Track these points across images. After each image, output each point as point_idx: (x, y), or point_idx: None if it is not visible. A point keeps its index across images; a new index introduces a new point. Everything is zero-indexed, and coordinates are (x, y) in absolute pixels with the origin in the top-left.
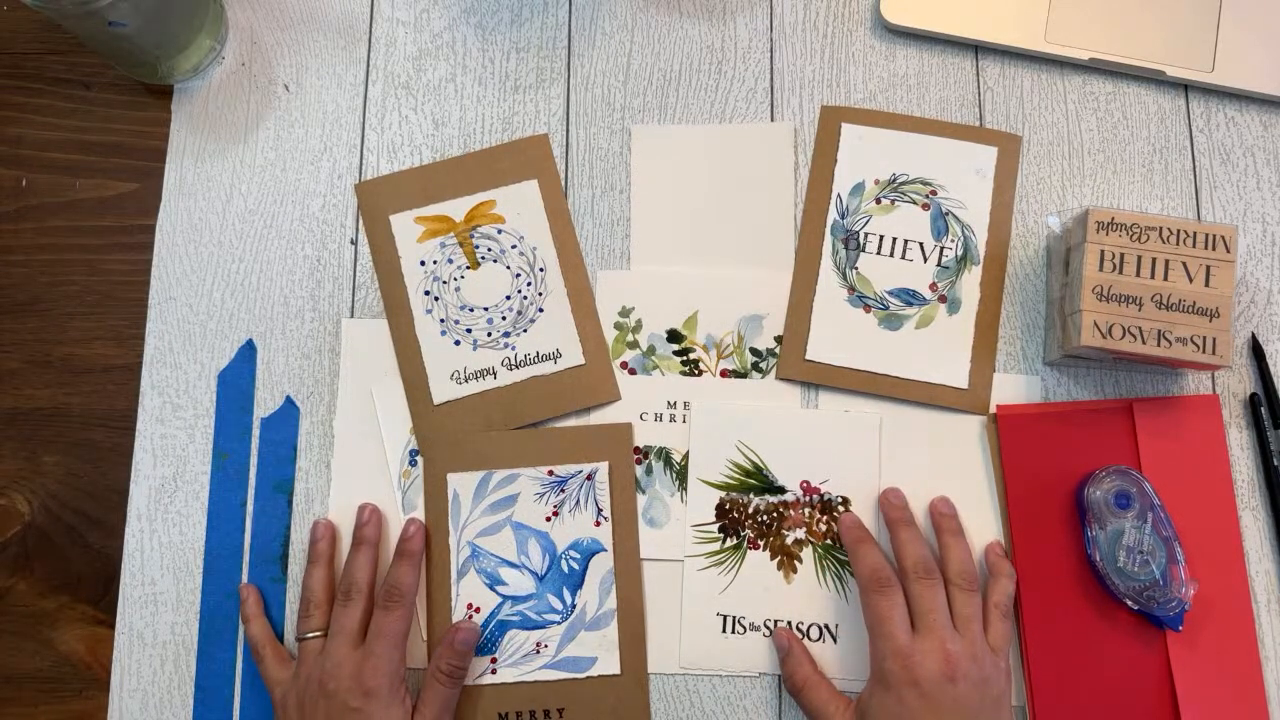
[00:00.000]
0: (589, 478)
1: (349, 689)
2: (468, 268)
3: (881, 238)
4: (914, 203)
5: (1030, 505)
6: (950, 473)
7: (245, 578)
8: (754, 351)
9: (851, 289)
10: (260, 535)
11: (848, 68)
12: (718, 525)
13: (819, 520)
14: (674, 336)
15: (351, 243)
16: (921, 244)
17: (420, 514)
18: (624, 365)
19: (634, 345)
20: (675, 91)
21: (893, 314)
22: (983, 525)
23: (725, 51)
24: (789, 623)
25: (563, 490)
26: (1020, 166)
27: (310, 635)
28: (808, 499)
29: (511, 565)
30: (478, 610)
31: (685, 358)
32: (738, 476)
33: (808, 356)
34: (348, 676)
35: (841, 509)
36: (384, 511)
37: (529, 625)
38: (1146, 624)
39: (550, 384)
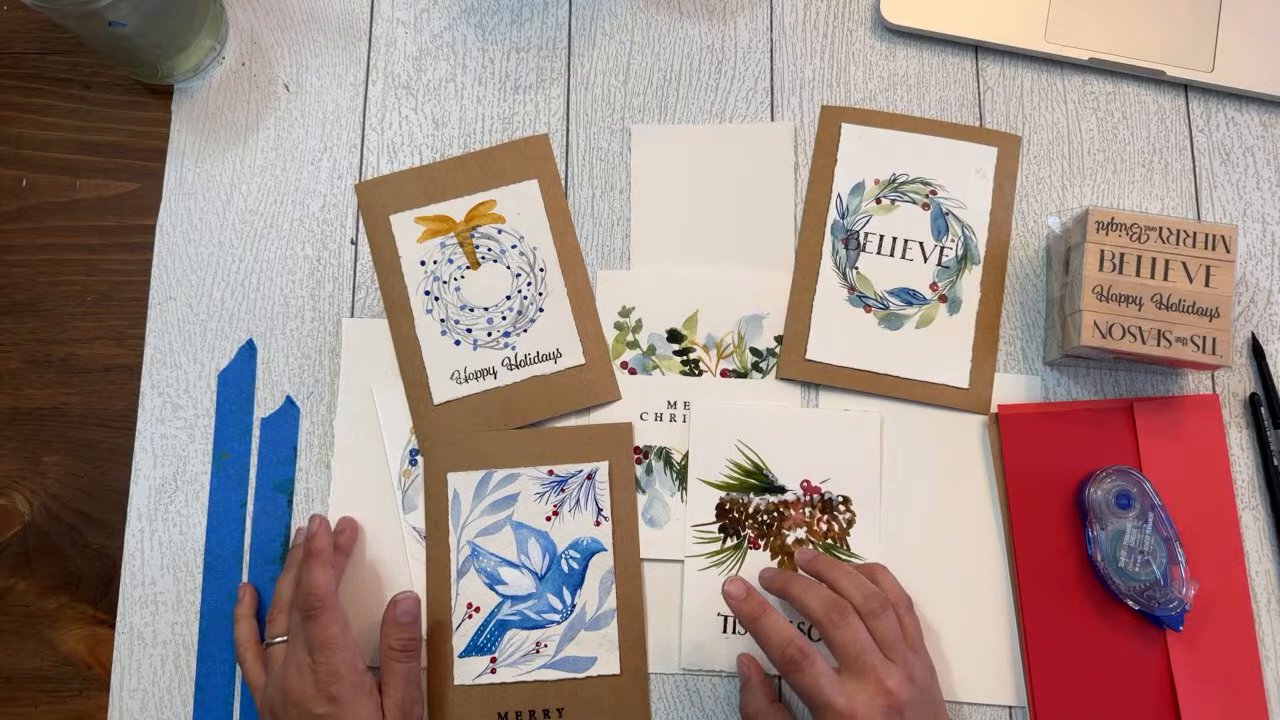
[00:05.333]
0: (589, 477)
1: (312, 698)
2: (468, 268)
3: (881, 237)
4: (914, 203)
5: (1031, 505)
6: (950, 473)
7: (245, 578)
8: (754, 351)
9: (852, 289)
10: (260, 535)
11: (848, 68)
12: (718, 525)
13: (819, 520)
14: (674, 336)
15: (351, 243)
16: (921, 244)
17: (420, 514)
18: (624, 365)
19: (634, 345)
20: (675, 91)
21: (893, 314)
22: (983, 525)
23: (725, 51)
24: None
25: (563, 490)
26: (1020, 166)
27: (276, 640)
28: (808, 499)
29: (511, 565)
30: (477, 610)
31: (685, 358)
32: (738, 476)
33: (808, 356)
34: (310, 685)
35: (842, 508)
36: (377, 513)
37: (529, 625)
38: (1147, 624)
39: (550, 384)
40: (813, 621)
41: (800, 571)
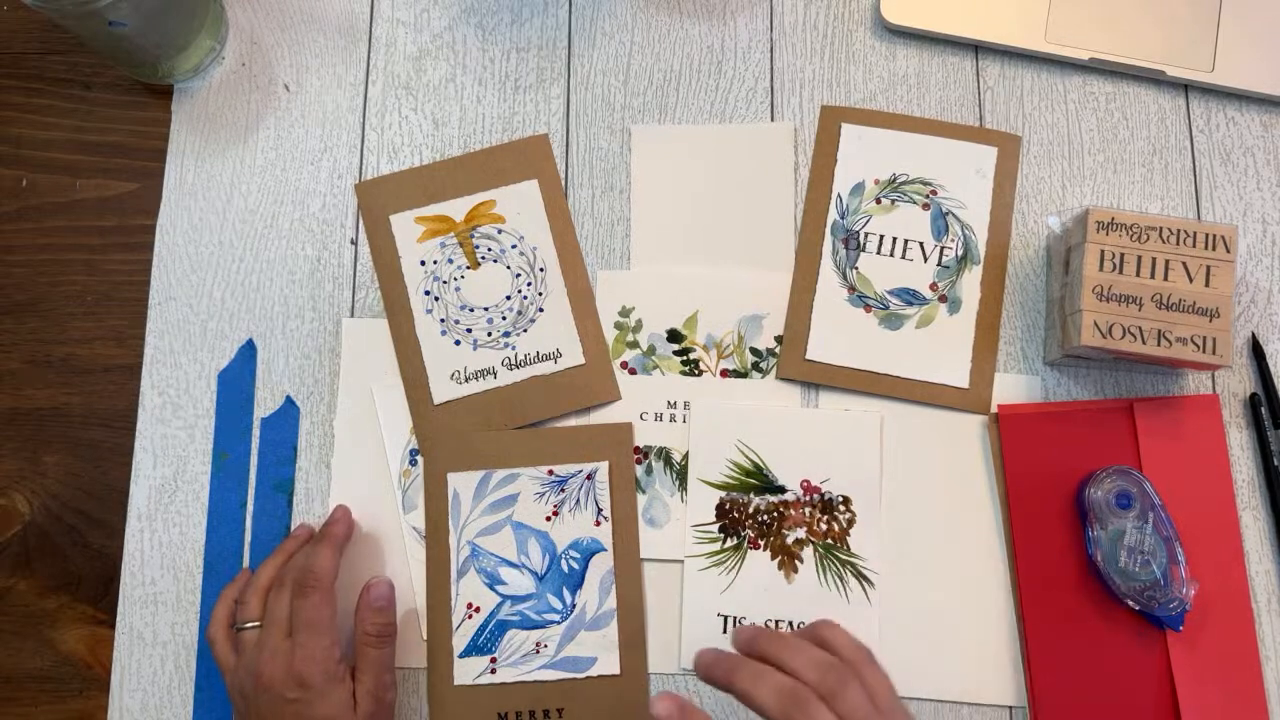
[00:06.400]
0: (589, 477)
1: (283, 681)
2: (468, 268)
3: (882, 237)
4: (914, 203)
5: (1031, 505)
6: (950, 473)
7: None
8: (754, 351)
9: (852, 289)
10: (260, 535)
11: (848, 68)
12: (718, 525)
13: (819, 520)
14: (674, 336)
15: (351, 243)
16: (922, 244)
17: (420, 514)
18: (624, 365)
19: (634, 345)
20: (675, 91)
21: (893, 314)
22: (983, 525)
23: (725, 51)
24: (789, 623)
25: (563, 490)
26: (1020, 166)
27: (248, 625)
28: (808, 498)
29: (511, 565)
30: (477, 610)
31: (685, 358)
32: (738, 476)
33: (808, 356)
34: (281, 668)
35: (842, 508)
36: (377, 513)
37: (529, 625)
38: (1146, 624)
39: (550, 384)
40: None
41: (740, 654)
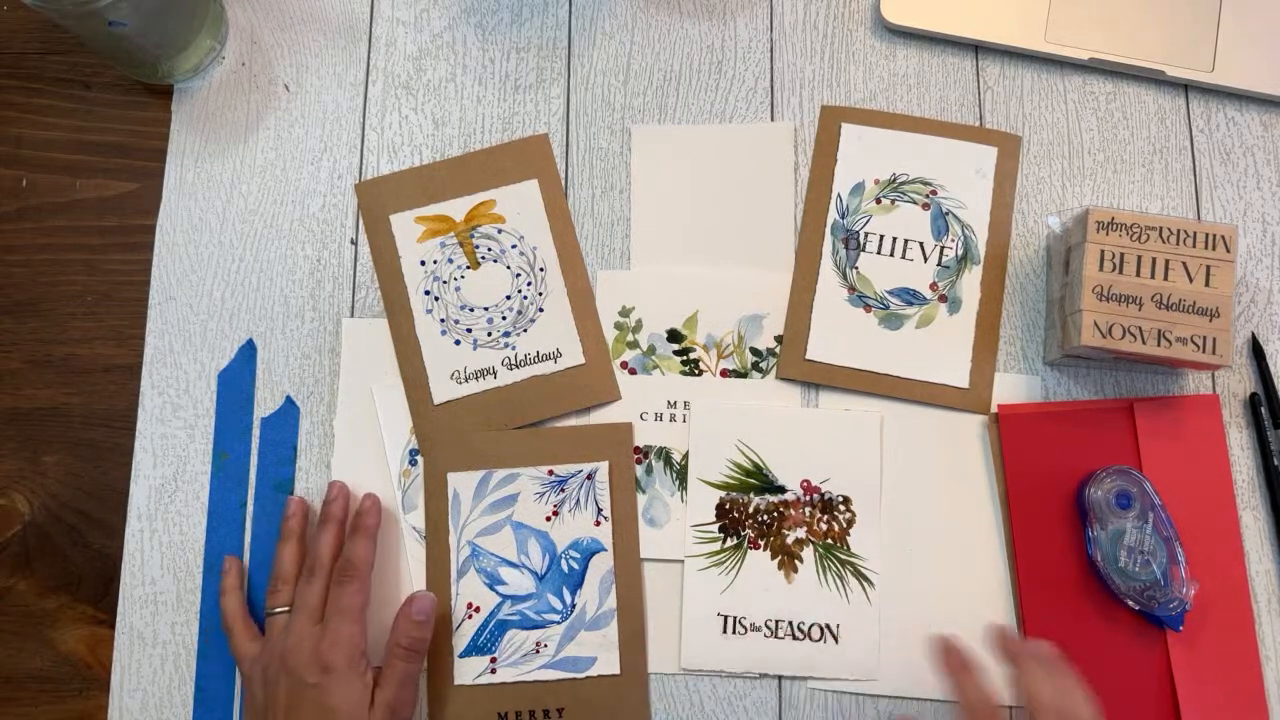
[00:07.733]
0: (589, 477)
1: (307, 665)
2: (468, 267)
3: (882, 237)
4: (914, 202)
5: (1031, 505)
6: (951, 473)
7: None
8: (754, 351)
9: (852, 289)
10: (260, 535)
11: (848, 68)
12: (718, 525)
13: (820, 520)
14: (674, 336)
15: (351, 243)
16: (922, 244)
17: (420, 514)
18: (624, 365)
19: (634, 345)
20: (675, 91)
21: (893, 313)
22: (983, 525)
23: (725, 51)
24: (789, 623)
25: (563, 490)
26: (1020, 166)
27: (277, 611)
28: (808, 498)
29: (511, 565)
30: (477, 610)
31: (685, 357)
32: (738, 476)
33: (808, 356)
34: (307, 652)
35: (842, 508)
36: (382, 501)
37: (529, 625)
38: (1147, 624)
39: (550, 384)
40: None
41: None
